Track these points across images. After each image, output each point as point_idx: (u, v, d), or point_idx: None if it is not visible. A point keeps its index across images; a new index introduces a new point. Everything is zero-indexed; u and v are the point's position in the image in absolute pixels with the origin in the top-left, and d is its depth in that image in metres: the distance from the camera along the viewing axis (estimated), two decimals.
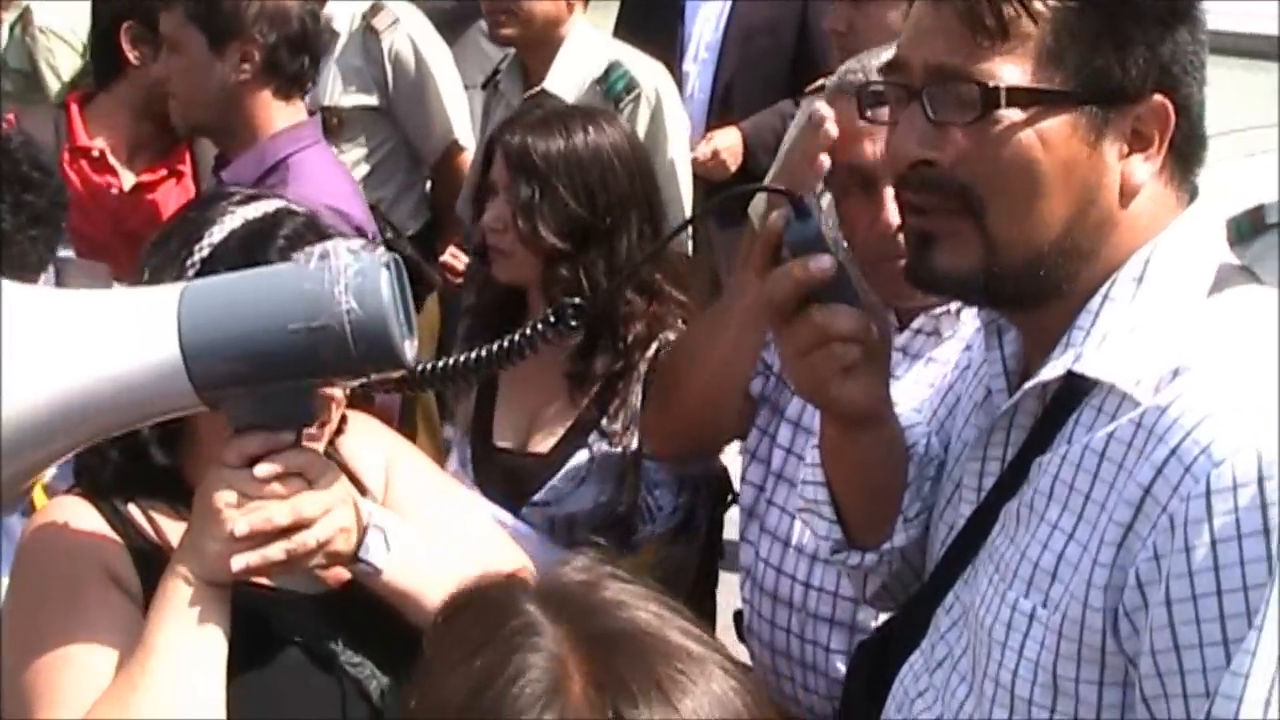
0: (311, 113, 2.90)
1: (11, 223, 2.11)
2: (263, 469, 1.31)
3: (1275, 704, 1.07)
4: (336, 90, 3.62)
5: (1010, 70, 1.21)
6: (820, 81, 3.01)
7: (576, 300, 1.41)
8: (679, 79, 3.83)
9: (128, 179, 3.18)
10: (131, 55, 3.11)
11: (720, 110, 3.91)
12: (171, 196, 3.17)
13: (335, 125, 3.50)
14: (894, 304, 1.97)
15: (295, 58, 2.70)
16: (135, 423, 1.33)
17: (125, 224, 3.07)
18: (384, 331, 1.23)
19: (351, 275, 1.23)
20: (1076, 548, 1.19)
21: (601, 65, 3.32)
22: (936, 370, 1.94)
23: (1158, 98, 1.21)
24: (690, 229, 3.30)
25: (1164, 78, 1.21)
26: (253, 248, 1.46)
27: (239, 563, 1.31)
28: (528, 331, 1.39)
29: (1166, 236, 1.23)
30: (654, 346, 2.34)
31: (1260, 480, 1.09)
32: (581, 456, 2.33)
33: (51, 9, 3.80)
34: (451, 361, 1.41)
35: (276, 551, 1.33)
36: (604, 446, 2.32)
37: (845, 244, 1.31)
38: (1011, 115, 1.21)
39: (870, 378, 1.33)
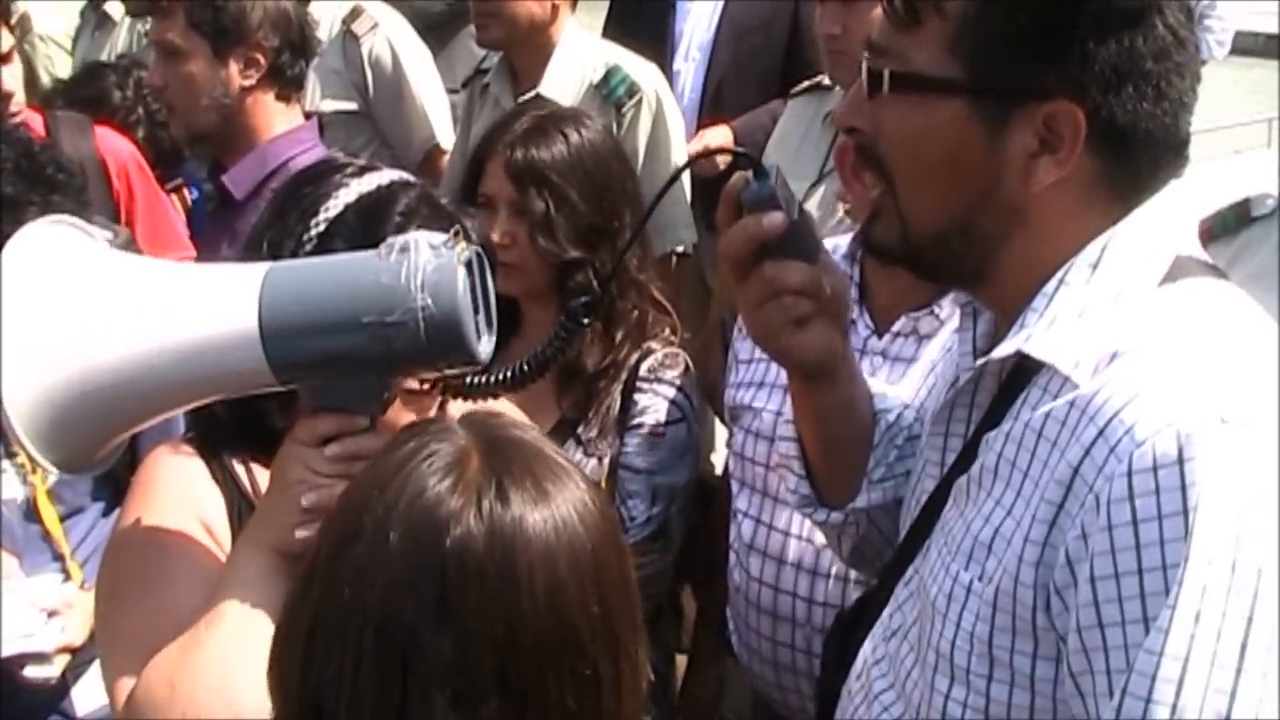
0: (308, 115, 2.96)
1: None
2: (333, 449, 1.38)
3: (1193, 683, 1.13)
4: (316, 95, 3.67)
5: (917, 54, 1.30)
6: (806, 83, 3.13)
7: (585, 299, 1.50)
8: (670, 78, 3.89)
9: None
10: None
11: (711, 109, 3.97)
12: None
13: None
14: (880, 296, 2.09)
15: (295, 61, 2.78)
16: (214, 394, 1.40)
17: None
18: (457, 329, 1.30)
19: (429, 271, 1.29)
20: (1011, 523, 1.26)
21: (598, 69, 3.36)
22: (920, 371, 2.04)
23: (1065, 103, 1.26)
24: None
25: (1075, 85, 1.25)
26: (369, 222, 1.52)
27: (303, 533, 1.38)
28: (561, 335, 1.47)
29: (1124, 227, 1.30)
30: (636, 355, 2.42)
31: (1181, 461, 1.14)
32: None
33: (46, 9, 3.82)
34: (500, 376, 1.47)
35: None
36: (579, 455, 2.38)
37: (800, 205, 1.42)
38: (903, 97, 1.30)
39: (824, 330, 1.45)
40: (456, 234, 1.34)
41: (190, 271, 1.42)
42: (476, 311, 1.32)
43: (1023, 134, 1.28)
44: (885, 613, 1.47)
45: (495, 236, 2.36)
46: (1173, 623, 1.14)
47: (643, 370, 2.42)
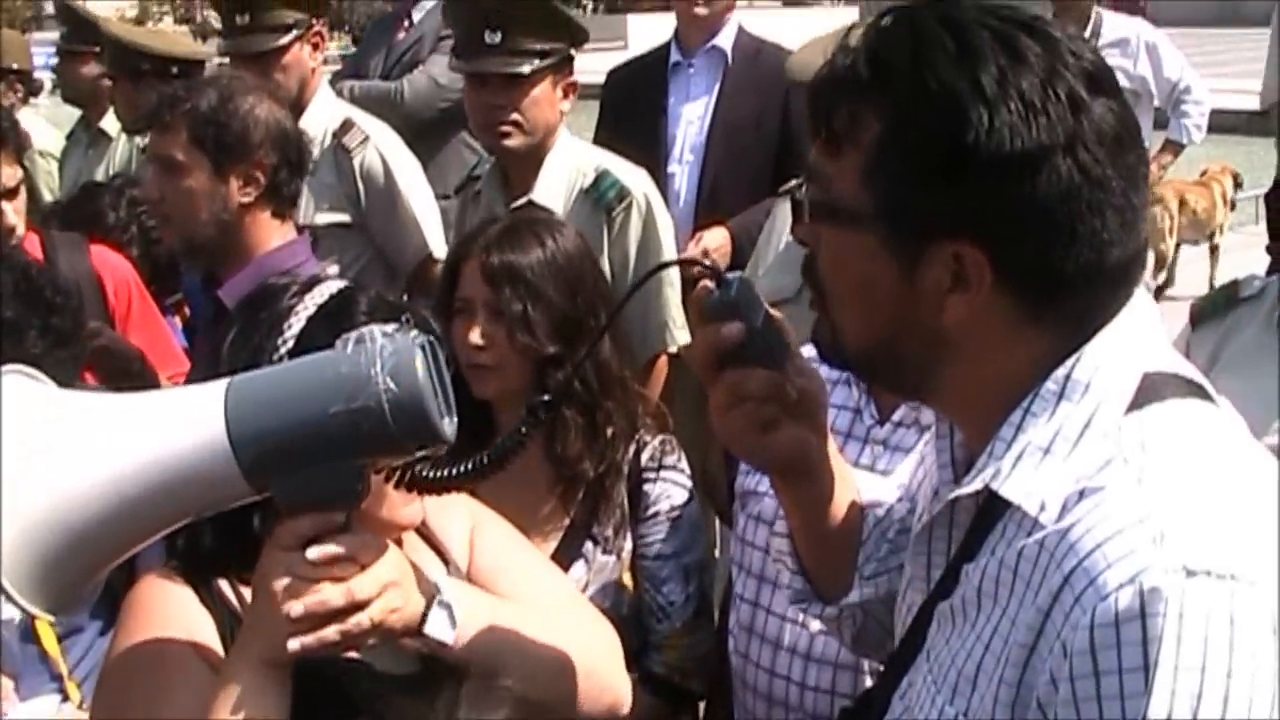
0: (301, 229, 3.00)
1: (41, 346, 2.19)
2: (314, 552, 1.40)
3: None
4: (310, 209, 3.71)
5: (838, 183, 1.30)
6: (793, 181, 3.16)
7: (545, 397, 1.52)
8: (664, 181, 3.96)
9: None
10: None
11: (707, 209, 4.04)
12: None
13: (310, 243, 3.58)
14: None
15: (293, 178, 2.84)
16: (189, 515, 1.41)
17: None
18: (420, 407, 1.33)
19: (387, 356, 1.33)
20: (991, 659, 1.26)
21: (588, 174, 3.40)
22: (917, 459, 2.05)
23: (967, 246, 1.23)
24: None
25: (973, 225, 1.23)
26: (337, 326, 1.54)
27: (295, 644, 1.40)
28: (522, 429, 1.50)
29: (1089, 350, 1.27)
30: (633, 448, 2.46)
31: (1144, 616, 1.13)
32: (578, 569, 2.42)
33: (38, 124, 3.87)
34: (460, 468, 1.49)
35: (331, 633, 1.42)
36: (599, 554, 2.42)
37: (765, 311, 1.44)
38: (823, 224, 1.32)
39: (795, 431, 1.46)
40: (406, 321, 1.39)
41: (152, 396, 1.44)
42: (436, 395, 1.35)
43: (934, 269, 1.26)
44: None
45: (474, 339, 2.41)
46: None
47: (644, 460, 2.47)
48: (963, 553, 1.34)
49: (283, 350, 1.58)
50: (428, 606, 1.53)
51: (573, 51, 3.40)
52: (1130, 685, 1.14)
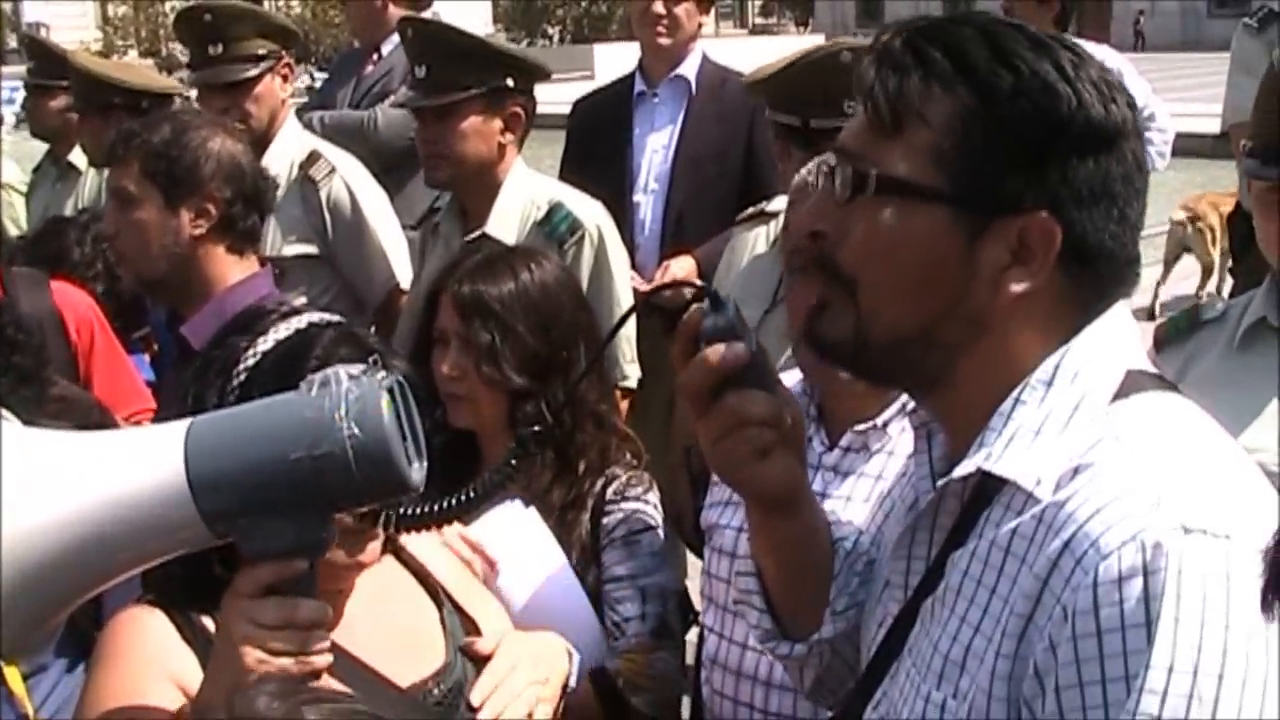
0: (266, 261, 2.98)
1: (4, 385, 2.17)
2: (273, 605, 1.35)
3: None
4: (277, 241, 3.71)
5: (898, 160, 1.32)
6: (750, 210, 3.17)
7: (535, 428, 1.49)
8: (629, 211, 3.96)
9: None
10: None
11: (673, 239, 4.05)
12: None
13: (278, 275, 3.56)
14: (835, 412, 2.13)
15: (248, 214, 2.82)
16: (149, 560, 1.37)
17: None
18: (385, 455, 1.28)
19: (351, 400, 1.28)
20: (981, 640, 1.27)
21: (541, 206, 3.40)
22: (867, 485, 2.08)
23: (1042, 215, 1.29)
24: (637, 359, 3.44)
25: (1053, 200, 1.29)
26: (286, 368, 1.53)
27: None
28: (507, 464, 1.46)
29: (1077, 343, 1.32)
30: (600, 481, 2.45)
31: (1146, 573, 1.17)
32: None
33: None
34: (435, 506, 1.46)
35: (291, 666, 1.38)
36: None
37: (756, 337, 1.43)
38: (884, 202, 1.32)
39: (786, 460, 1.44)
40: (375, 363, 1.35)
41: (113, 435, 1.41)
42: (405, 439, 1.31)
43: (996, 246, 1.30)
44: None
45: (445, 369, 2.41)
46: None
47: (609, 494, 2.45)
48: (949, 543, 1.35)
49: (234, 384, 1.55)
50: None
51: (510, 82, 3.40)
52: (1133, 641, 1.17)
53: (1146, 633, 1.16)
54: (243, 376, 1.55)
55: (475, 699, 1.78)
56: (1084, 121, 1.30)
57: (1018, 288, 1.31)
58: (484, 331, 2.40)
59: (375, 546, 1.65)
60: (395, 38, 5.03)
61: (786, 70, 3.17)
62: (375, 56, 5.05)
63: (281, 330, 1.60)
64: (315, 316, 1.65)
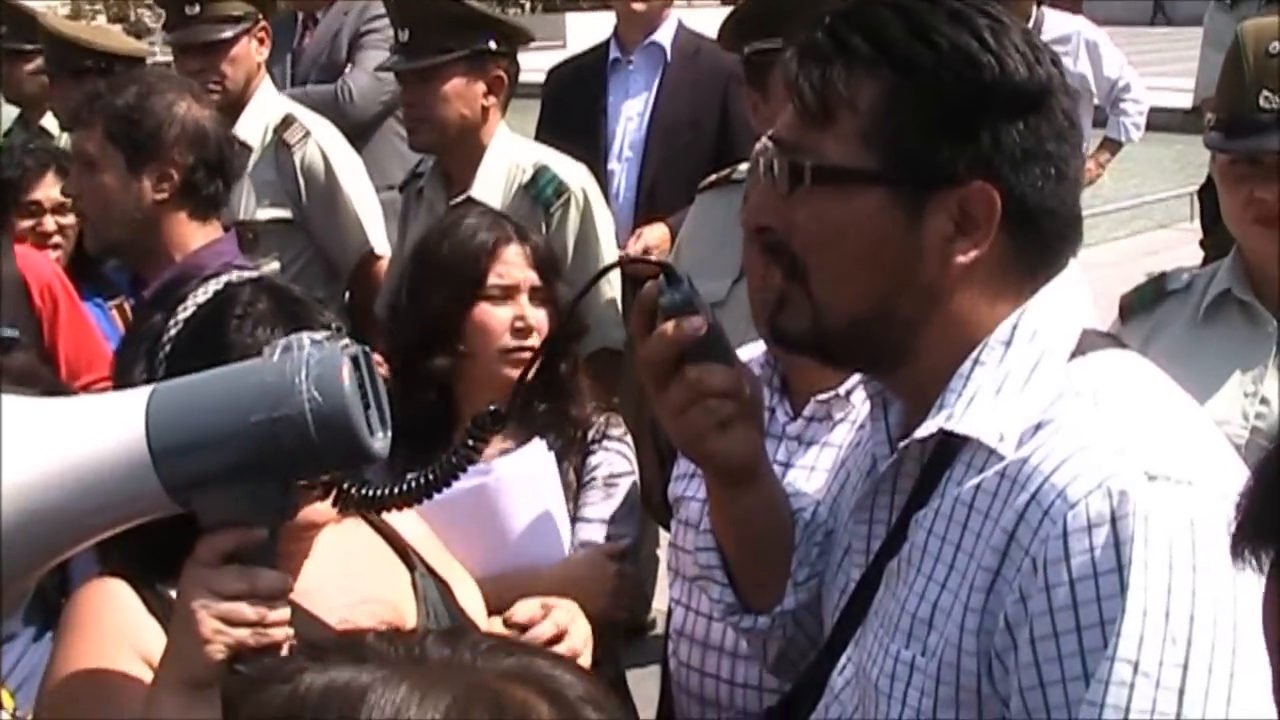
0: (226, 228, 2.96)
1: None
2: (231, 585, 1.33)
3: None
4: (250, 205, 3.69)
5: (831, 148, 1.33)
6: (712, 177, 3.14)
7: (493, 408, 1.47)
8: (604, 178, 3.93)
9: None
10: None
11: (647, 207, 4.04)
12: None
13: (250, 240, 3.55)
14: (798, 383, 2.13)
15: (211, 180, 2.79)
16: (110, 528, 1.34)
17: None
18: (345, 420, 1.25)
19: (312, 365, 1.26)
20: (949, 596, 1.29)
21: (526, 170, 3.40)
22: (831, 454, 2.06)
23: (980, 184, 1.30)
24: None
25: (987, 167, 1.30)
26: (210, 331, 1.52)
27: (216, 657, 1.33)
28: (467, 444, 1.43)
29: (1033, 304, 1.34)
30: (583, 428, 2.48)
31: (1114, 519, 1.19)
32: None
33: None
34: (392, 489, 1.42)
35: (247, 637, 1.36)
36: None
37: (724, 309, 1.43)
38: (822, 191, 1.33)
39: (746, 431, 1.45)
40: (339, 330, 1.33)
41: (75, 401, 1.38)
42: (367, 408, 1.29)
43: (938, 218, 1.31)
44: (821, 704, 1.46)
45: (521, 323, 2.41)
46: (1111, 674, 1.18)
47: (590, 436, 2.48)
48: (912, 503, 1.36)
49: (161, 355, 1.53)
50: None
51: (492, 45, 3.39)
52: (1105, 587, 1.19)
53: (1119, 578, 1.18)
54: (168, 348, 1.53)
55: (520, 616, 1.85)
56: (1009, 86, 1.30)
57: (964, 258, 1.32)
58: (560, 285, 2.44)
59: (325, 505, 1.63)
60: (336, 6, 4.98)
61: None
62: (311, 24, 4.99)
63: (200, 295, 1.58)
64: (233, 275, 1.62)
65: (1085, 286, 1.39)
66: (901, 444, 1.37)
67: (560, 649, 1.91)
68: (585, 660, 1.85)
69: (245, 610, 1.33)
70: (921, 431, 1.33)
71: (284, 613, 1.36)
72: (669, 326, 1.41)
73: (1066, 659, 1.20)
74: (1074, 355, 1.33)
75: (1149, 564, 1.18)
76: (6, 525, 1.26)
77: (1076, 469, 1.22)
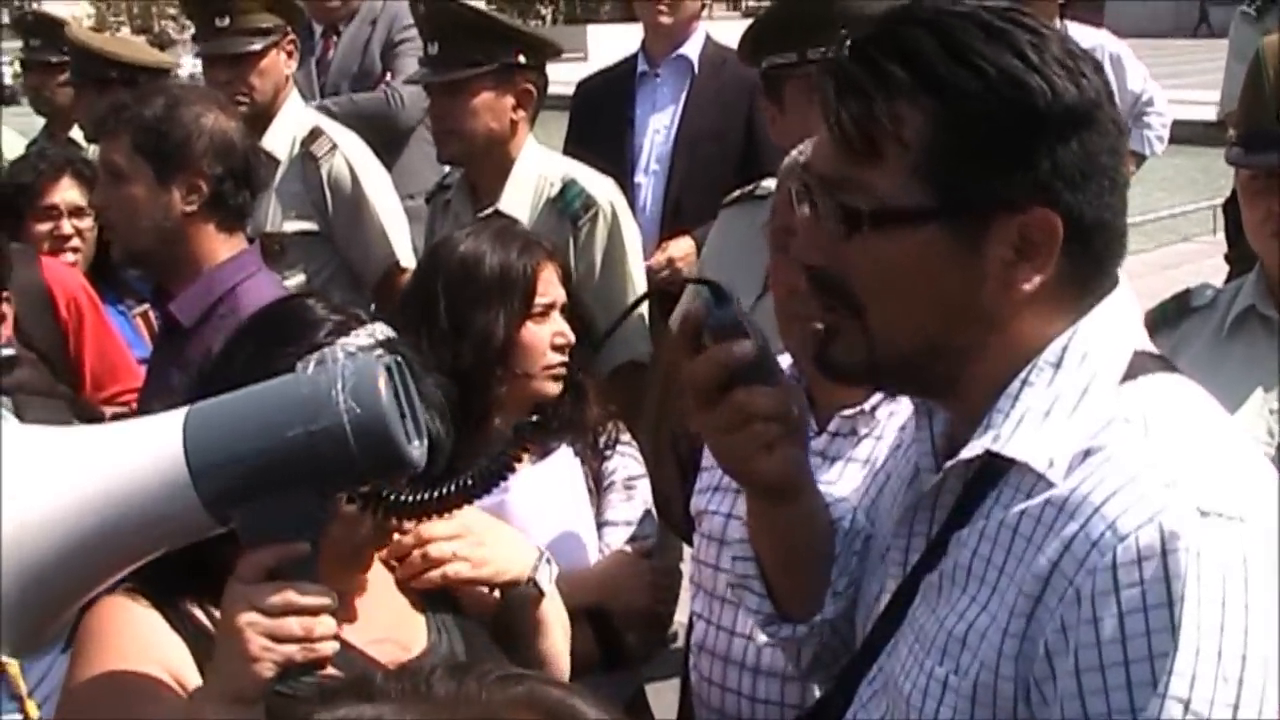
0: (251, 240, 2.95)
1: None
2: (275, 600, 1.33)
3: None
4: (277, 216, 3.70)
5: (882, 186, 1.29)
6: (737, 192, 3.14)
7: (534, 418, 1.48)
8: (630, 191, 3.93)
9: None
10: None
11: (673, 220, 4.03)
12: None
13: (277, 251, 3.56)
14: (822, 398, 2.12)
15: (238, 191, 2.78)
16: (151, 552, 1.34)
17: None
18: (383, 429, 1.26)
19: (348, 376, 1.26)
20: (987, 618, 1.27)
21: (554, 183, 3.38)
22: (856, 470, 2.06)
23: (1040, 210, 1.27)
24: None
25: (1047, 189, 1.27)
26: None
27: (263, 674, 1.33)
28: (506, 452, 1.43)
29: (1084, 325, 1.31)
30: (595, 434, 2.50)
31: (1165, 553, 1.17)
32: None
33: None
34: (430, 494, 1.42)
35: (296, 653, 1.35)
36: None
37: (760, 328, 1.42)
38: (881, 235, 1.30)
39: (791, 450, 1.44)
40: (378, 344, 1.33)
41: (112, 428, 1.37)
42: (404, 417, 1.29)
43: (999, 247, 1.28)
44: (849, 713, 1.45)
45: (559, 340, 2.41)
46: (1162, 711, 1.16)
47: (602, 442, 2.50)
48: (953, 521, 1.34)
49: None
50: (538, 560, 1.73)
51: (521, 59, 3.38)
52: (1155, 621, 1.17)
53: (1169, 613, 1.16)
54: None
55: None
56: (1060, 106, 1.27)
57: (1028, 285, 1.29)
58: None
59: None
60: (359, 17, 4.98)
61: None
62: (334, 35, 5.00)
63: (341, 350, 1.55)
64: (372, 334, 1.60)
65: (1136, 306, 1.37)
66: (948, 464, 1.35)
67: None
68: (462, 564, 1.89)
69: (292, 626, 1.33)
70: (967, 452, 1.32)
71: (329, 626, 1.36)
72: (719, 350, 1.39)
73: (1113, 692, 1.18)
74: (1125, 378, 1.30)
75: (1202, 601, 1.16)
76: (53, 556, 1.25)
77: (1126, 502, 1.20)
